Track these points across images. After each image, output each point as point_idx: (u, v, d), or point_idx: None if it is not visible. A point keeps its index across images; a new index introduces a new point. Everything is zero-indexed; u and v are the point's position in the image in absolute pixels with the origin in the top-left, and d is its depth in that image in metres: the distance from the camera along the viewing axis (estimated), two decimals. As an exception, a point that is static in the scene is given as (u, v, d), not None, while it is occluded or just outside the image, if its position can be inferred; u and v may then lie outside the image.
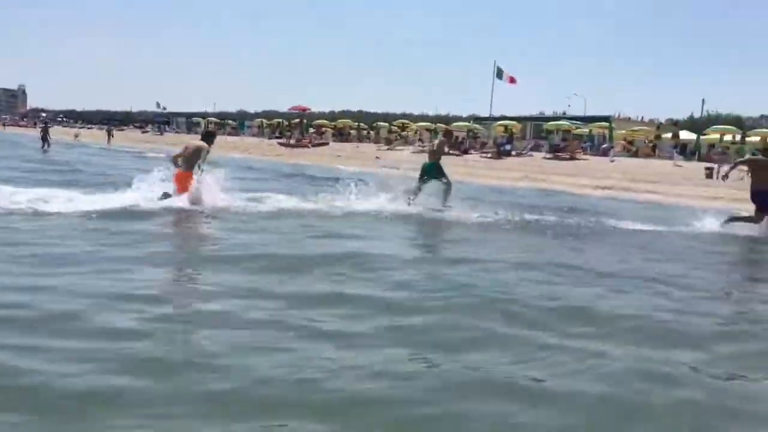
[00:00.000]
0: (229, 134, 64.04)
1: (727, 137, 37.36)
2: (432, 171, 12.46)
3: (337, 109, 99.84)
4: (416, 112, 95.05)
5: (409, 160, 37.07)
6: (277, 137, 55.99)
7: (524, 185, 23.62)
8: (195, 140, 11.83)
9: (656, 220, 12.19)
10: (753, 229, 11.31)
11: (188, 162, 10.76)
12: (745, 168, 12.34)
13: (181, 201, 10.31)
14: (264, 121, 70.36)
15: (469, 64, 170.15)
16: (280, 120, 66.08)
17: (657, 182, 26.33)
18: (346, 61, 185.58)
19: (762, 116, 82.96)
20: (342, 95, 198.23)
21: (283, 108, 68.54)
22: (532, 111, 66.19)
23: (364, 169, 32.88)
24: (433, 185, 12.52)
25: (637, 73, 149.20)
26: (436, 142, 13.66)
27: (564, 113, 63.04)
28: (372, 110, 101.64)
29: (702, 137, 38.44)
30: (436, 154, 12.75)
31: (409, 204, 11.99)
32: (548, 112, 71.41)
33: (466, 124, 51.55)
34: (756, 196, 11.41)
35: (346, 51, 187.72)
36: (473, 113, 65.20)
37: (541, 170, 29.25)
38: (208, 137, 11.43)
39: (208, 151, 10.88)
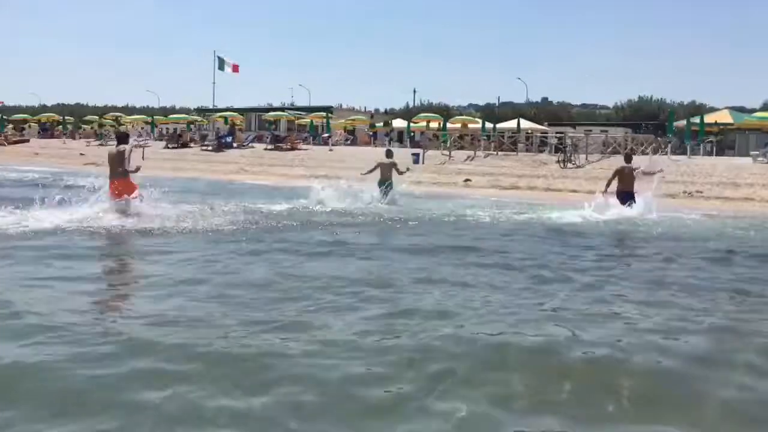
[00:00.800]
0: None
1: (433, 124, 40.63)
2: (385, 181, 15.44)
3: (50, 102, 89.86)
4: (139, 105, 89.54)
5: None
6: (-35, 136, 48.88)
7: (239, 178, 23.11)
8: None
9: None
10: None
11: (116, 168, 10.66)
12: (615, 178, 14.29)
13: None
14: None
15: (194, 56, 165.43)
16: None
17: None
18: (62, 51, 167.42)
19: (470, 104, 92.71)
20: (58, 87, 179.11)
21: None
22: (261, 102, 65.98)
23: (64, 168, 29.66)
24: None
25: (359, 64, 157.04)
26: (386, 162, 15.89)
27: (292, 104, 63.78)
28: (92, 103, 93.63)
29: (412, 125, 41.38)
30: (387, 171, 15.39)
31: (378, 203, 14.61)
32: (276, 104, 71.78)
33: (185, 116, 49.78)
34: (619, 195, 13.59)
35: (61, 40, 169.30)
36: (201, 105, 63.26)
37: (260, 162, 28.97)
38: (123, 139, 11.40)
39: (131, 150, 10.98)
